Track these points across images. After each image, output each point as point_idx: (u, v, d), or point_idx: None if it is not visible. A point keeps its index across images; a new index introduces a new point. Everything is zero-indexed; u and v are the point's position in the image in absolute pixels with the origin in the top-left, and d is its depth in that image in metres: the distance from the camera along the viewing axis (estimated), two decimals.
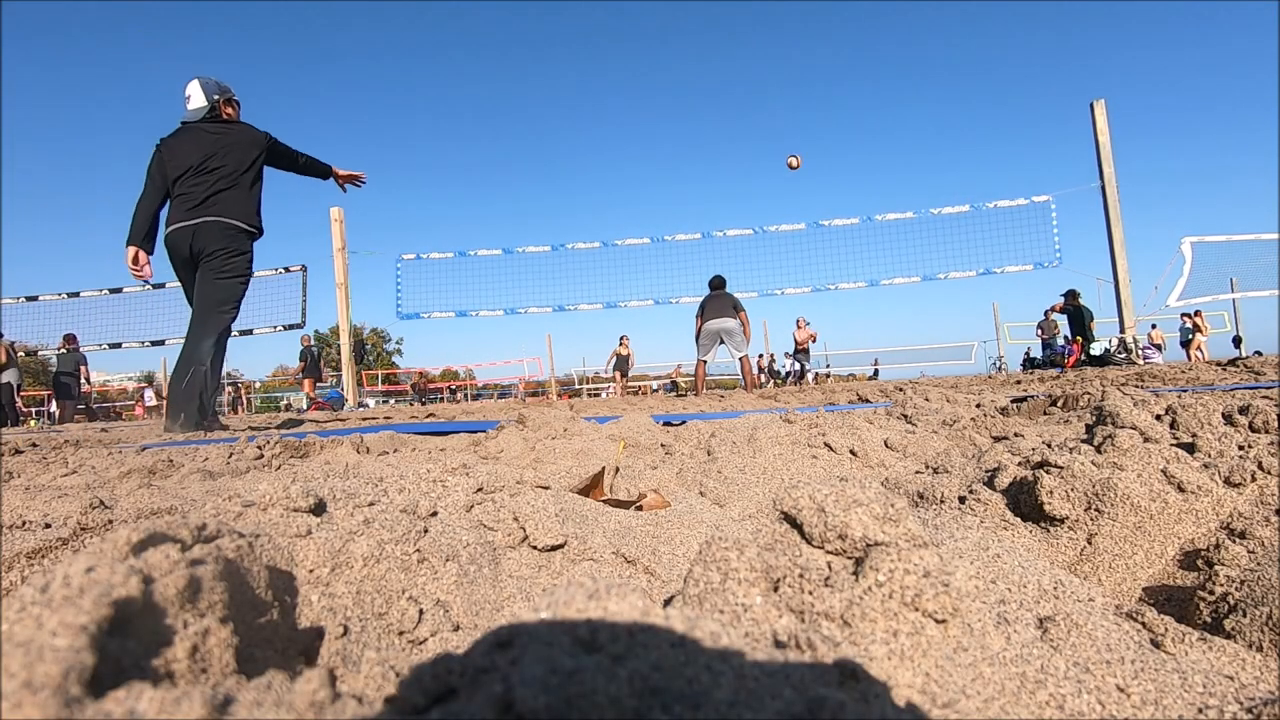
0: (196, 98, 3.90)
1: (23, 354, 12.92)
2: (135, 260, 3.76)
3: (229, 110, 3.99)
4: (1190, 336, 15.73)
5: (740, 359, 8.42)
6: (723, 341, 8.46)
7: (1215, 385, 3.34)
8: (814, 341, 17.10)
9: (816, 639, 0.41)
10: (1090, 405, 2.17)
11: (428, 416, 5.06)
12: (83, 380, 12.93)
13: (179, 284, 3.94)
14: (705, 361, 8.61)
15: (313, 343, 15.59)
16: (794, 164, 8.49)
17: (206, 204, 3.75)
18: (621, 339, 17.74)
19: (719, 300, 8.56)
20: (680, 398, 7.64)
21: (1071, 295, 12.46)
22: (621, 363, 17.67)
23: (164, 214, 3.85)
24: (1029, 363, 19.71)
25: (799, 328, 16.70)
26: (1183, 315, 15.22)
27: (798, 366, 16.96)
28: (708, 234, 11.98)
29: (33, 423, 14.39)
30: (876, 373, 24.79)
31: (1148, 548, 0.87)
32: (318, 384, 15.65)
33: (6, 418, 10.83)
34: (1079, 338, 12.30)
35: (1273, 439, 1.06)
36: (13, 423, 10.94)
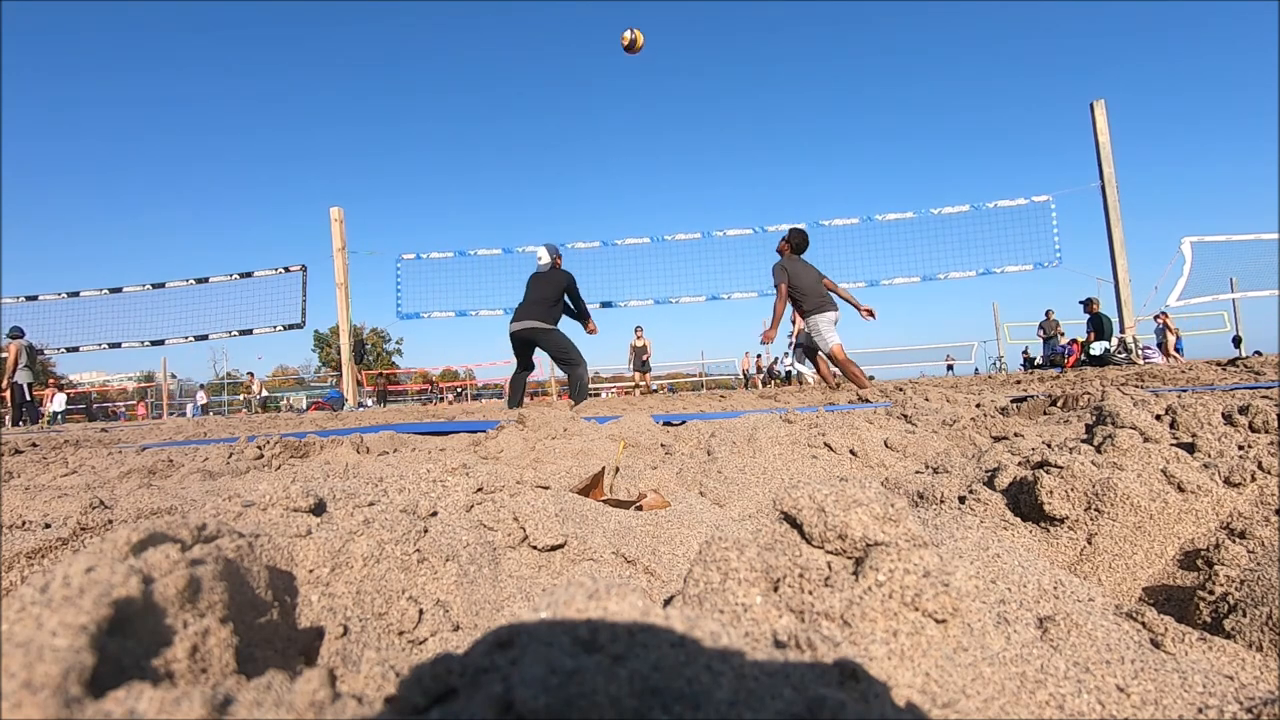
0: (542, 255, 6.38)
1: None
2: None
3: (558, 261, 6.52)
4: (1162, 339, 15.60)
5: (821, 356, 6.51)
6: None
7: (1215, 385, 3.34)
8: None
9: (816, 639, 0.41)
10: (1090, 405, 2.17)
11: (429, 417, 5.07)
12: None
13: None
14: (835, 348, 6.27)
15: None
16: (630, 40, 7.09)
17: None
18: (636, 330, 15.99)
19: (810, 273, 6.35)
20: (679, 397, 7.52)
21: (1092, 303, 12.51)
22: (638, 356, 15.92)
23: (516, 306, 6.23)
24: (1029, 363, 19.72)
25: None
26: (1154, 316, 15.00)
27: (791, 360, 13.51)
28: (708, 234, 11.97)
29: (46, 420, 14.51)
30: (950, 368, 24.46)
31: (1148, 548, 0.87)
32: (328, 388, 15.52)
33: (24, 416, 10.86)
34: (1077, 339, 12.36)
35: (1273, 439, 1.06)
36: (32, 420, 10.99)
